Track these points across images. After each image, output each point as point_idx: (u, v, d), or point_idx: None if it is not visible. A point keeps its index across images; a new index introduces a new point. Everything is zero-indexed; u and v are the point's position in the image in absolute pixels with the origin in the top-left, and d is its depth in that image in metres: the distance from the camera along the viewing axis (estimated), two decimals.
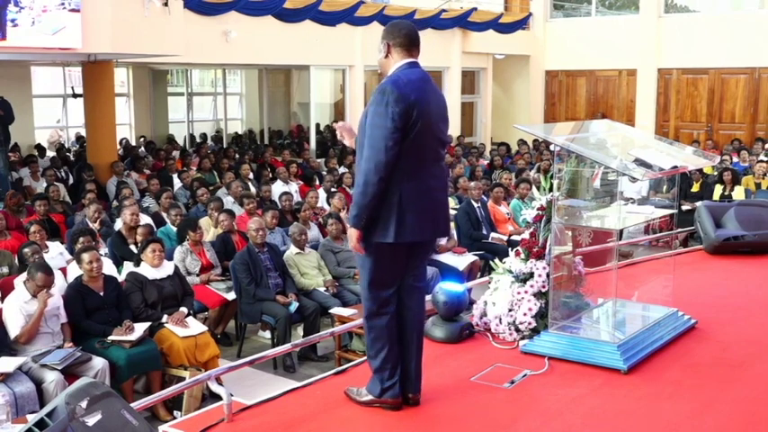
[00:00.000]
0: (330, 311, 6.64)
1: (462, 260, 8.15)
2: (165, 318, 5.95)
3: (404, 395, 3.65)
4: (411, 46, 3.56)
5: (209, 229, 8.06)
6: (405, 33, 3.56)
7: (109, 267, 6.42)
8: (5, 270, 6.59)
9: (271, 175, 11.63)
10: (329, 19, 14.27)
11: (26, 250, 6.21)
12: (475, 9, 17.02)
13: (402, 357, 3.62)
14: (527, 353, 4.31)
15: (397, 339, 3.59)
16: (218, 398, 3.74)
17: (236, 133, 18.51)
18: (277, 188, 10.59)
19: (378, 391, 3.61)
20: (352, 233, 3.47)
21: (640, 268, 6.12)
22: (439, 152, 3.57)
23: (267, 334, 6.96)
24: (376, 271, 3.52)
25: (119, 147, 13.48)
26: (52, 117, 16.51)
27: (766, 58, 16.10)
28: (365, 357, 4.50)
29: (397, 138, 3.34)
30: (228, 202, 9.35)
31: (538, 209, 4.66)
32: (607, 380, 3.99)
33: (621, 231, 5.33)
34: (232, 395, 3.64)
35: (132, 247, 7.14)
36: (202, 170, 12.17)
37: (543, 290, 4.52)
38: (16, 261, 6.50)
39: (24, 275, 5.59)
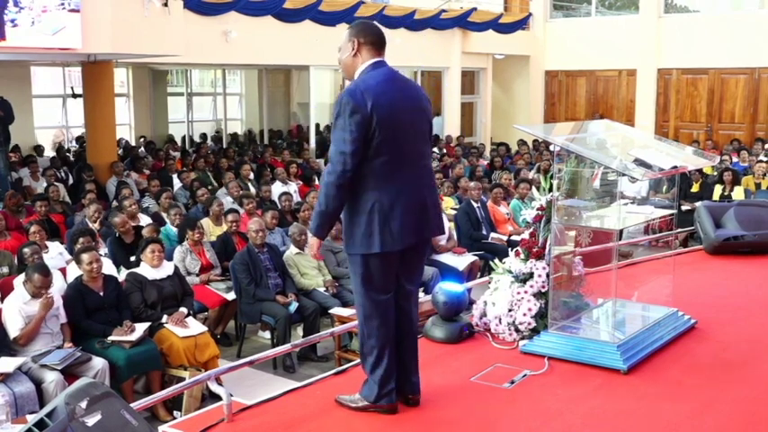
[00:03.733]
0: (330, 312, 6.64)
1: (462, 260, 8.15)
2: (164, 318, 5.95)
3: (404, 396, 3.64)
4: (381, 46, 3.49)
5: (210, 230, 8.06)
6: (376, 32, 3.48)
7: (109, 267, 6.41)
8: (5, 270, 6.59)
9: (271, 176, 11.63)
10: (329, 19, 14.27)
11: (26, 250, 6.20)
12: (475, 9, 17.02)
13: (400, 360, 3.59)
14: (527, 353, 4.31)
15: (395, 343, 3.55)
16: (217, 398, 3.74)
17: (235, 133, 18.51)
18: (276, 188, 10.58)
19: (374, 396, 3.56)
20: (314, 242, 3.49)
21: (640, 268, 6.11)
22: (419, 151, 3.47)
23: (267, 334, 6.96)
24: (369, 279, 3.46)
25: (118, 147, 13.47)
26: (52, 117, 16.50)
27: (766, 58, 16.10)
28: None
29: (354, 149, 3.28)
30: (228, 202, 9.36)
31: (538, 209, 4.66)
32: (607, 380, 3.99)
33: (621, 231, 5.32)
34: (232, 395, 3.64)
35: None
36: (197, 169, 12.16)
37: (543, 290, 4.52)
38: (16, 261, 6.50)
39: (24, 276, 5.59)
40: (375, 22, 3.63)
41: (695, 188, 11.07)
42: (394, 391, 3.56)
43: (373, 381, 3.56)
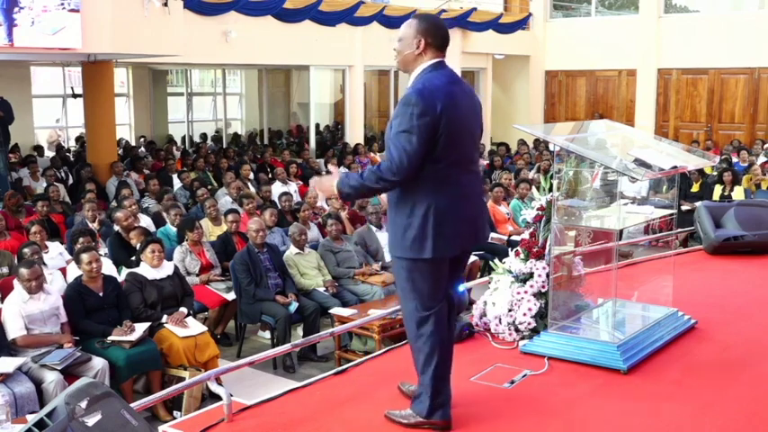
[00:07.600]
0: (330, 312, 6.64)
1: None
2: (164, 318, 5.95)
3: None
4: (445, 46, 3.41)
5: (209, 230, 8.06)
6: (443, 34, 3.39)
7: (108, 267, 6.41)
8: (5, 270, 6.59)
9: (270, 176, 11.62)
10: (329, 19, 14.27)
11: (26, 250, 6.20)
12: (475, 9, 17.02)
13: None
14: (527, 353, 4.31)
15: (449, 351, 3.40)
16: (217, 398, 3.74)
17: (236, 133, 18.51)
18: (276, 188, 10.59)
19: (426, 411, 3.37)
20: (333, 191, 3.32)
21: (640, 268, 6.11)
22: (473, 157, 3.42)
23: (267, 334, 6.96)
24: (419, 286, 3.30)
25: (118, 147, 13.47)
26: (52, 117, 16.50)
27: (766, 58, 16.10)
28: (365, 357, 4.52)
29: (420, 150, 3.15)
30: (227, 202, 9.36)
31: (537, 209, 4.66)
32: (607, 380, 3.99)
33: (621, 231, 5.32)
34: (232, 395, 3.64)
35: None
36: (197, 169, 12.16)
37: (543, 290, 4.52)
38: (16, 261, 6.50)
39: None
40: (441, 19, 3.52)
41: (695, 188, 11.06)
42: (448, 405, 3.40)
43: (425, 393, 3.37)
